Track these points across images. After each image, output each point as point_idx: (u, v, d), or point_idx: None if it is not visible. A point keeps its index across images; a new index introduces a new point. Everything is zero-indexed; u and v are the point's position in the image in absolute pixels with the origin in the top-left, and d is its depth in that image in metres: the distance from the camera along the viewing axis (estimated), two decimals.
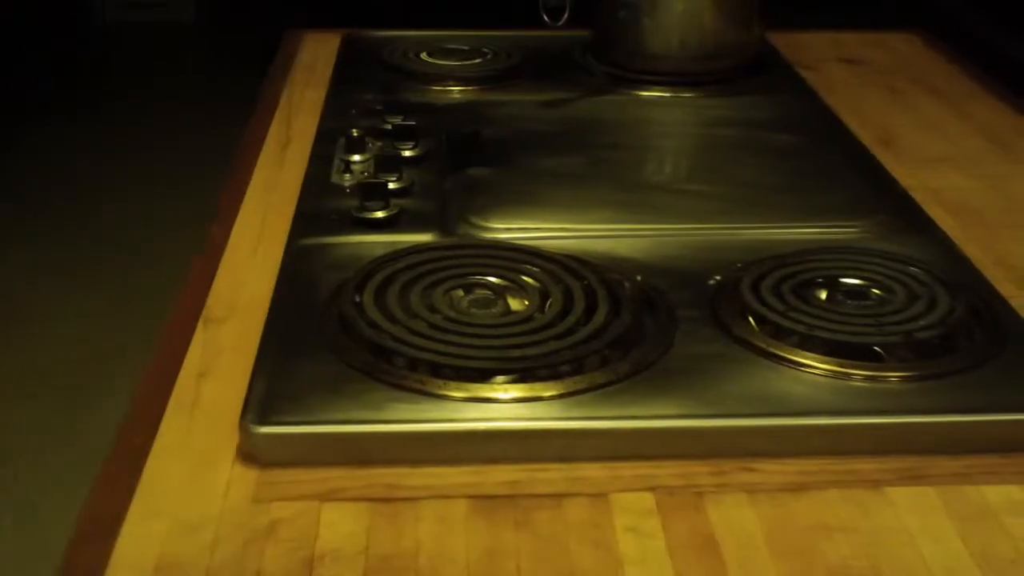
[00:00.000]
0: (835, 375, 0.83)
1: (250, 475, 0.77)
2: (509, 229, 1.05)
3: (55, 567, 0.71)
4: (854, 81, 1.52)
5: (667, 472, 0.77)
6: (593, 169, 1.21)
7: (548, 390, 0.81)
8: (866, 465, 0.77)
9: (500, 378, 0.83)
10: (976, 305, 0.91)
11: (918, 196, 1.16)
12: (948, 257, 1.01)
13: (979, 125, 1.37)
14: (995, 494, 0.75)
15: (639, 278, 0.95)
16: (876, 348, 0.86)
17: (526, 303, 0.92)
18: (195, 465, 0.78)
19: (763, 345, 0.86)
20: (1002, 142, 1.32)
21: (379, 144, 1.20)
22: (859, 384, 0.82)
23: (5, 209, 3.19)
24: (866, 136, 1.31)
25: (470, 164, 1.19)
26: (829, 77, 1.52)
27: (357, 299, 0.90)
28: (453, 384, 0.81)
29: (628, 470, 0.77)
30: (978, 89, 1.49)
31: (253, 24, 3.88)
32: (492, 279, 0.95)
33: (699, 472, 0.77)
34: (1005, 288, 0.98)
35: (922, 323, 0.88)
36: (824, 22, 1.78)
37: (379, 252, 0.98)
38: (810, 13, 1.92)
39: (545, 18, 1.40)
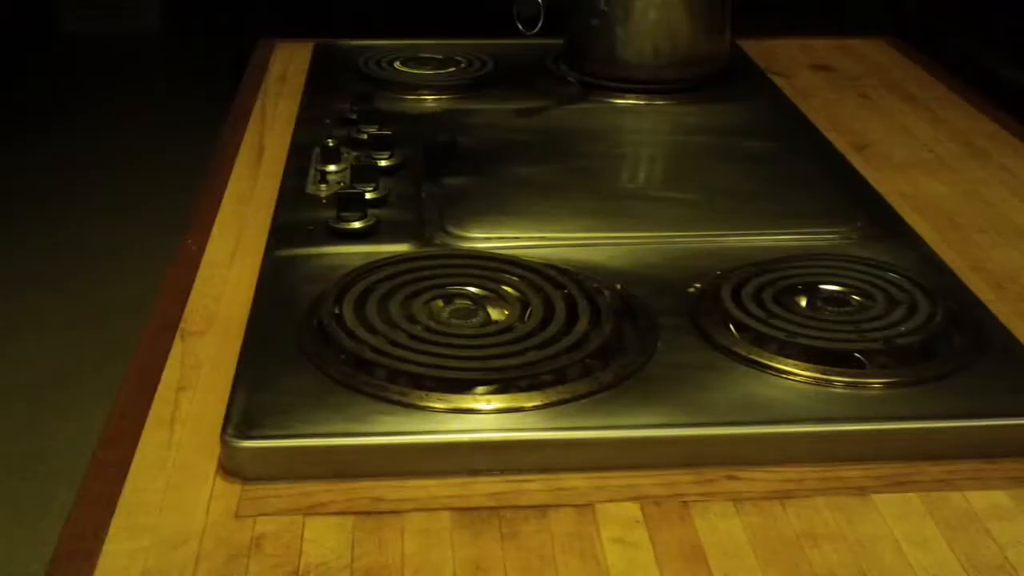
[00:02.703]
0: (817, 382, 0.83)
1: (232, 490, 0.76)
2: (487, 238, 1.05)
3: None
4: (826, 87, 1.52)
5: (652, 482, 0.76)
6: (569, 177, 1.20)
7: (530, 400, 0.81)
8: (850, 472, 0.77)
9: (481, 389, 0.82)
10: (955, 311, 0.92)
11: (894, 201, 1.16)
12: (926, 263, 1.02)
13: (952, 130, 1.38)
14: (980, 500, 0.75)
15: (619, 287, 0.95)
16: (857, 355, 0.86)
17: (506, 313, 0.91)
18: (177, 480, 0.77)
19: (744, 352, 0.86)
20: (975, 147, 1.33)
21: (355, 154, 1.19)
22: (841, 391, 0.83)
23: None
24: (840, 142, 1.32)
25: (447, 173, 1.18)
26: (801, 83, 1.53)
27: (336, 311, 0.89)
28: (434, 395, 0.81)
29: (613, 480, 0.77)
30: (949, 94, 1.50)
31: (219, 33, 3.85)
32: (472, 289, 0.94)
33: (684, 481, 0.77)
34: (983, 293, 0.99)
35: (902, 329, 0.88)
36: (793, 29, 1.78)
37: (357, 263, 0.98)
38: (779, 20, 1.93)
39: (519, 26, 1.40)
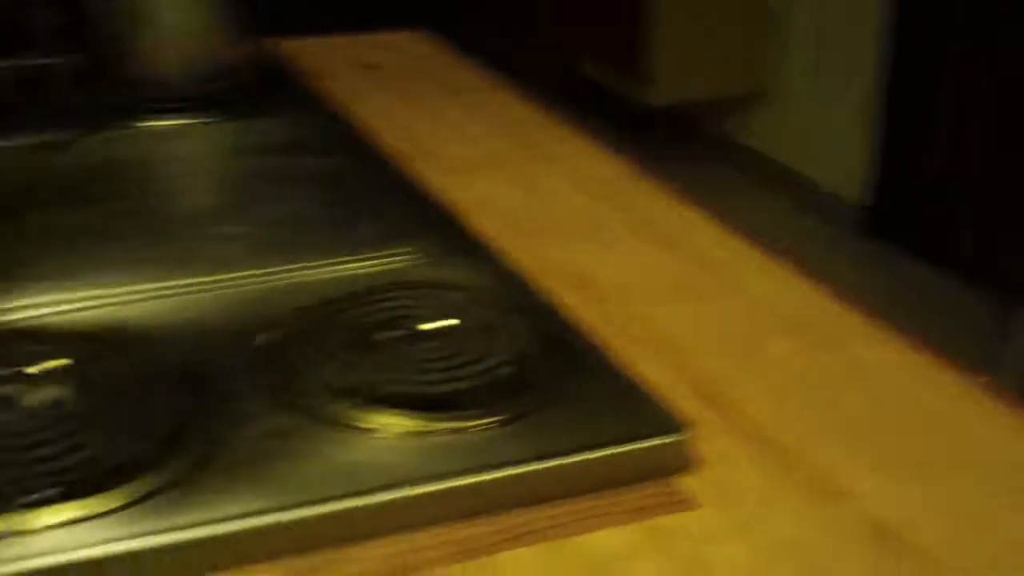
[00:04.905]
0: (412, 434, 0.76)
1: None
2: (5, 309, 0.89)
3: None
4: (375, 88, 1.46)
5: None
6: (106, 221, 1.06)
7: (94, 506, 0.68)
8: (465, 532, 0.70)
9: (26, 501, 0.68)
10: (543, 329, 0.87)
11: (459, 209, 1.11)
12: (504, 276, 0.97)
13: (503, 125, 1.35)
14: (606, 539, 0.70)
15: (175, 350, 0.83)
16: (454, 396, 0.79)
17: (39, 402, 0.77)
18: None
19: (328, 412, 0.77)
20: (527, 140, 1.31)
21: None
22: (442, 439, 0.75)
23: None
24: (397, 148, 1.26)
25: None
26: (350, 86, 1.45)
27: None
28: None
29: None
30: (493, 86, 1.48)
31: None
32: None
33: (300, 568, 0.67)
34: (567, 298, 0.96)
35: (495, 360, 0.82)
36: (335, 26, 1.70)
37: None
38: (317, 18, 1.85)
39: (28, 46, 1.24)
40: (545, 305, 0.93)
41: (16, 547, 0.66)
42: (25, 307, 0.89)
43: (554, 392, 0.80)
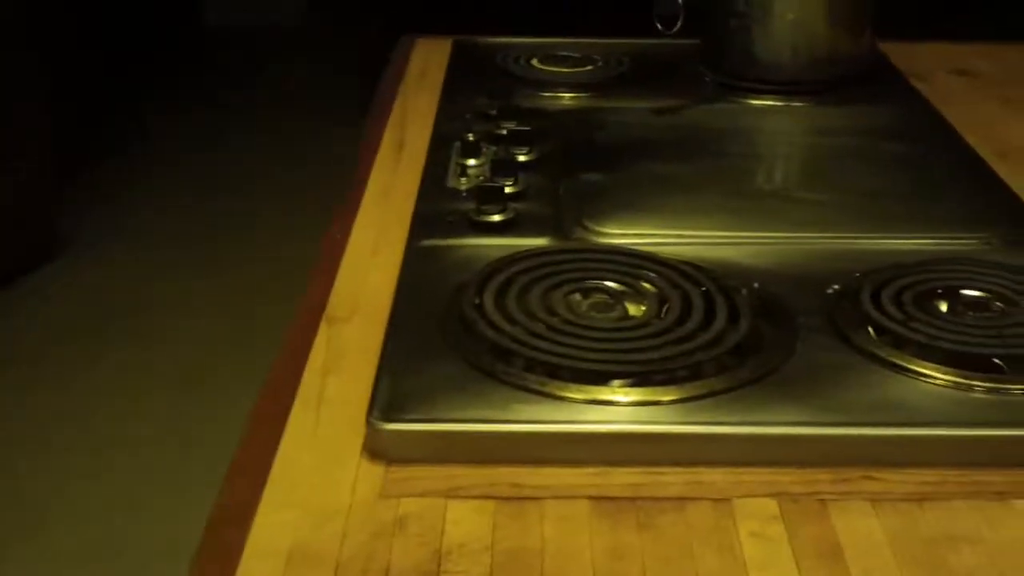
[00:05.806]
0: (956, 386, 0.83)
1: (376, 470, 0.78)
2: (624, 235, 1.06)
3: (189, 552, 0.73)
4: (967, 92, 1.50)
5: (790, 479, 0.77)
6: (706, 176, 1.21)
7: (667, 394, 0.82)
8: (990, 477, 0.77)
9: (618, 381, 0.84)
10: None
11: None
12: None
13: None
14: None
15: (756, 285, 0.96)
16: (996, 360, 0.85)
17: (644, 308, 0.92)
18: (323, 459, 0.80)
19: (883, 355, 0.86)
20: None
21: (494, 149, 1.22)
22: (981, 396, 0.82)
23: (110, 211, 3.26)
24: (981, 147, 1.30)
25: (584, 169, 1.20)
26: (941, 87, 1.50)
27: (477, 301, 0.92)
28: (572, 386, 0.83)
29: (750, 476, 0.77)
30: None
31: (360, 29, 3.90)
32: (610, 284, 0.96)
33: (822, 480, 0.77)
34: None
35: None
36: (934, 33, 1.75)
37: (497, 255, 1.00)
38: (919, 23, 1.90)
39: (658, 26, 1.41)
40: None
41: (602, 413, 0.81)
42: (635, 235, 1.06)
43: None
